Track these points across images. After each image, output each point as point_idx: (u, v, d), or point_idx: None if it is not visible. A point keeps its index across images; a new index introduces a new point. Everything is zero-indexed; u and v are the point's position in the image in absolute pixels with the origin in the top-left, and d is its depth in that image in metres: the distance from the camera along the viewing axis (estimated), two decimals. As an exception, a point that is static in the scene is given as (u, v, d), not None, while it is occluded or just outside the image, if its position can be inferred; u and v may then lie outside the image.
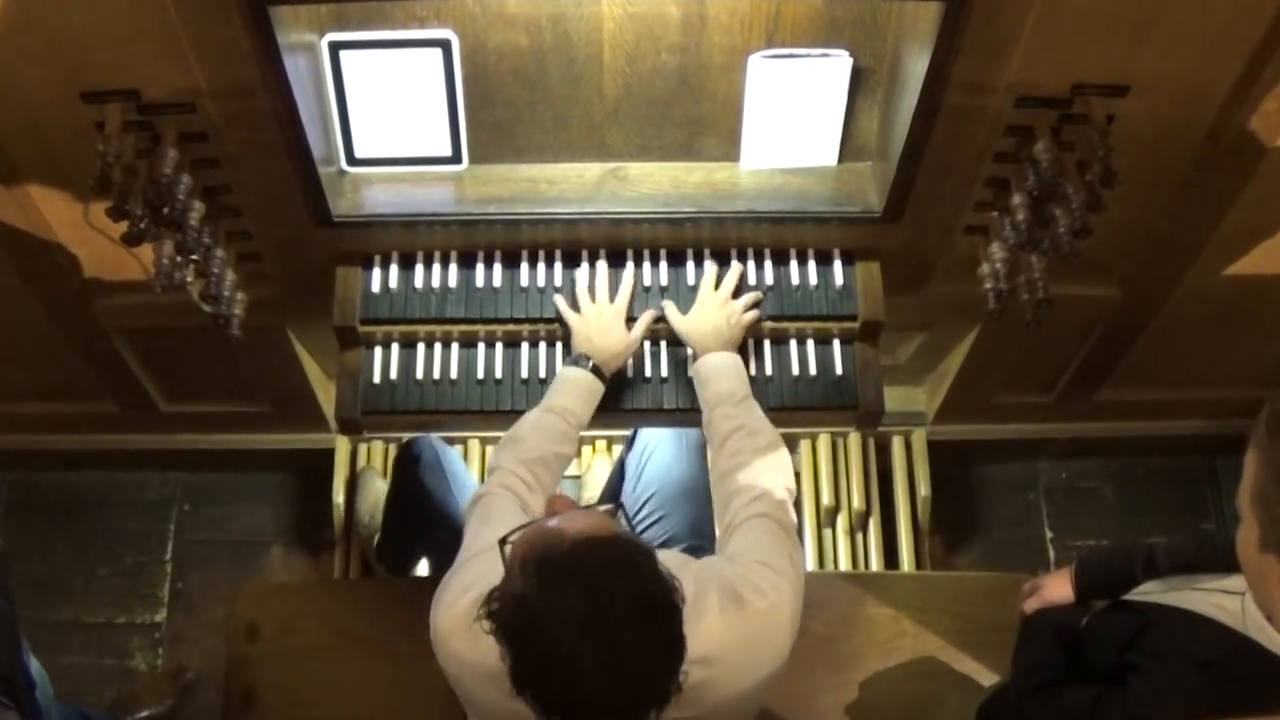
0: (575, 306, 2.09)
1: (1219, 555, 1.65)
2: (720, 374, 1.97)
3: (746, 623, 1.57)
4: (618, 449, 2.85)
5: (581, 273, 2.14)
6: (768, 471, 1.82)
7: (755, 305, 2.10)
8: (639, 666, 1.31)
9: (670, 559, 1.68)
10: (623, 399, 2.11)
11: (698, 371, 2.00)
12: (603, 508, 1.53)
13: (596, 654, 1.28)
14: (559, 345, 2.14)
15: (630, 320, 2.09)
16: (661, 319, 2.11)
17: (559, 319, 2.10)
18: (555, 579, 1.31)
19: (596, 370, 2.00)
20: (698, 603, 1.54)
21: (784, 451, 1.88)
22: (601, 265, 2.14)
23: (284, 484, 3.15)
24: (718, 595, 1.58)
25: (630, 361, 2.12)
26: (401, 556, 2.61)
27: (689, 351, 2.09)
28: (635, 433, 2.41)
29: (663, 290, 2.13)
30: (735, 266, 2.11)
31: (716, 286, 2.10)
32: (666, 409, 2.11)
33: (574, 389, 1.98)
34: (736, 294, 2.10)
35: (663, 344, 2.15)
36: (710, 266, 2.12)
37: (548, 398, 1.98)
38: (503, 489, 1.79)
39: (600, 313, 2.06)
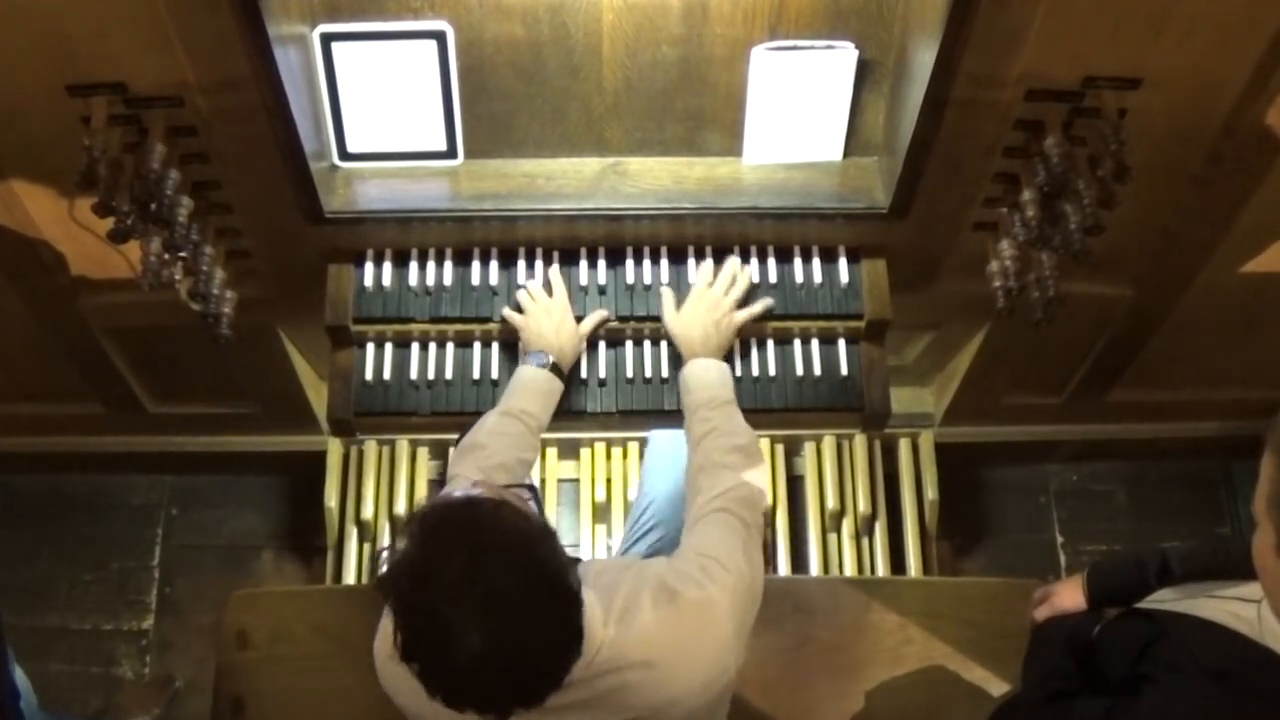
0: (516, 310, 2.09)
1: (1235, 561, 1.65)
2: (704, 381, 1.96)
3: (679, 616, 1.55)
4: (616, 451, 2.85)
5: (580, 270, 2.14)
6: (736, 470, 1.80)
7: (747, 304, 2.09)
8: (519, 636, 1.30)
9: (620, 563, 1.71)
10: (622, 401, 2.11)
11: (684, 379, 2.00)
12: (517, 487, 1.54)
13: (474, 616, 1.27)
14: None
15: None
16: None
17: (503, 323, 2.09)
18: (440, 535, 1.33)
19: (555, 369, 1.99)
20: (632, 603, 1.53)
21: (757, 453, 1.87)
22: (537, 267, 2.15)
23: (275, 487, 3.15)
24: (650, 593, 1.56)
25: (629, 363, 2.12)
26: None
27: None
28: (649, 438, 2.40)
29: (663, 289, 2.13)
30: (734, 261, 2.10)
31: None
32: (667, 410, 2.11)
33: (534, 389, 1.96)
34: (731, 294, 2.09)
35: (663, 344, 2.14)
36: (708, 264, 2.12)
37: (506, 399, 1.96)
38: None
39: (549, 310, 2.05)
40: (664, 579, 1.59)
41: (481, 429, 1.90)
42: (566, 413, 2.09)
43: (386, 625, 1.57)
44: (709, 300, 2.06)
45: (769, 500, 1.83)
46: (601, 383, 2.11)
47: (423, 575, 1.31)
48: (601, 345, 2.14)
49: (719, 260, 2.14)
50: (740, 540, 1.69)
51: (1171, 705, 1.49)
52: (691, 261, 2.15)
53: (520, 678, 1.33)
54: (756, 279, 2.14)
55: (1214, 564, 1.70)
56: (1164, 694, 1.50)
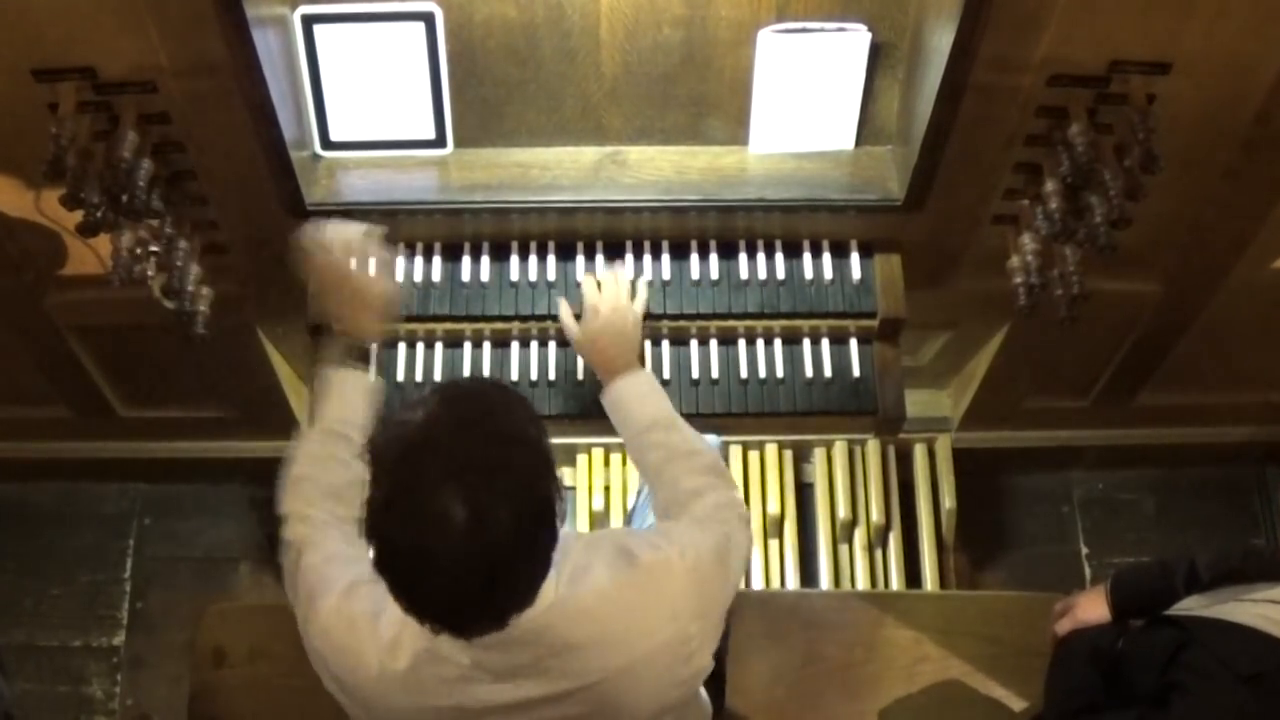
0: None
1: (1266, 565, 1.65)
2: (640, 398, 1.86)
3: (632, 577, 1.54)
4: (615, 458, 2.86)
5: (576, 265, 2.14)
6: (714, 490, 1.74)
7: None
8: (500, 528, 1.31)
9: (574, 534, 1.70)
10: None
11: (614, 402, 1.88)
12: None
13: (460, 492, 1.29)
14: (551, 345, 2.15)
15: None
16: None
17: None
18: (448, 404, 1.37)
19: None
20: (585, 568, 1.53)
21: (724, 466, 1.82)
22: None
23: (253, 496, 3.14)
24: (606, 559, 1.56)
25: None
26: None
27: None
28: None
29: (664, 285, 2.13)
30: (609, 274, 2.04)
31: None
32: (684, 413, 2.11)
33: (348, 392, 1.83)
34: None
35: (664, 344, 2.15)
36: (589, 279, 2.05)
37: (319, 407, 1.83)
38: (307, 533, 1.69)
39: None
40: (623, 544, 1.59)
41: (300, 454, 1.80)
42: (563, 416, 2.09)
43: (338, 592, 1.58)
44: (611, 300, 1.96)
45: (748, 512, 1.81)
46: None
47: (415, 442, 1.33)
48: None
49: (723, 256, 2.15)
50: (715, 538, 1.65)
51: (1203, 712, 1.49)
52: (695, 257, 2.15)
53: (494, 575, 1.33)
54: (764, 275, 2.14)
55: (1244, 569, 1.71)
56: (1195, 701, 1.51)
